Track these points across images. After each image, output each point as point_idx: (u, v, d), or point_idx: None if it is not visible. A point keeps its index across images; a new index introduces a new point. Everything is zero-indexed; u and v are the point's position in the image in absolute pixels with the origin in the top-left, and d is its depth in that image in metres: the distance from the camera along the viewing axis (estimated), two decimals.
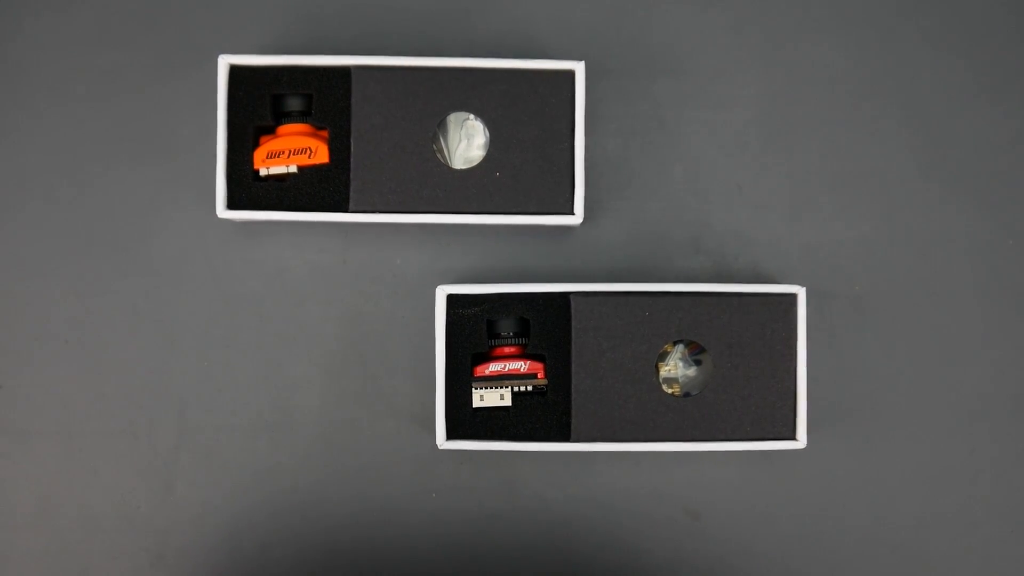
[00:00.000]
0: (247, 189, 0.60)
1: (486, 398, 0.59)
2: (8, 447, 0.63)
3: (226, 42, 0.63)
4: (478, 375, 0.59)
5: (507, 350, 0.60)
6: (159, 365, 0.63)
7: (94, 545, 0.62)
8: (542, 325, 0.60)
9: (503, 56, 0.63)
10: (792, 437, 0.60)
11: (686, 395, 0.60)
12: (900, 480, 0.63)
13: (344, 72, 0.60)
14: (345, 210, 0.59)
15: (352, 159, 0.59)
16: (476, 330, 0.60)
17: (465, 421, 0.60)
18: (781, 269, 0.64)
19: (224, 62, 0.59)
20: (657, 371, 0.60)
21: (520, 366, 0.59)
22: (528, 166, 0.60)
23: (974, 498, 0.64)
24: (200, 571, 0.62)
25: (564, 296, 0.60)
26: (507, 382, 0.59)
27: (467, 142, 0.61)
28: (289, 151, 0.60)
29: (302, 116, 0.60)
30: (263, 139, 0.61)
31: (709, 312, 0.59)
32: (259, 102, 0.60)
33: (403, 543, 0.63)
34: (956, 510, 0.64)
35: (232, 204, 0.60)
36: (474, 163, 0.60)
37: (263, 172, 0.60)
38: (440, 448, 0.59)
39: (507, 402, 0.59)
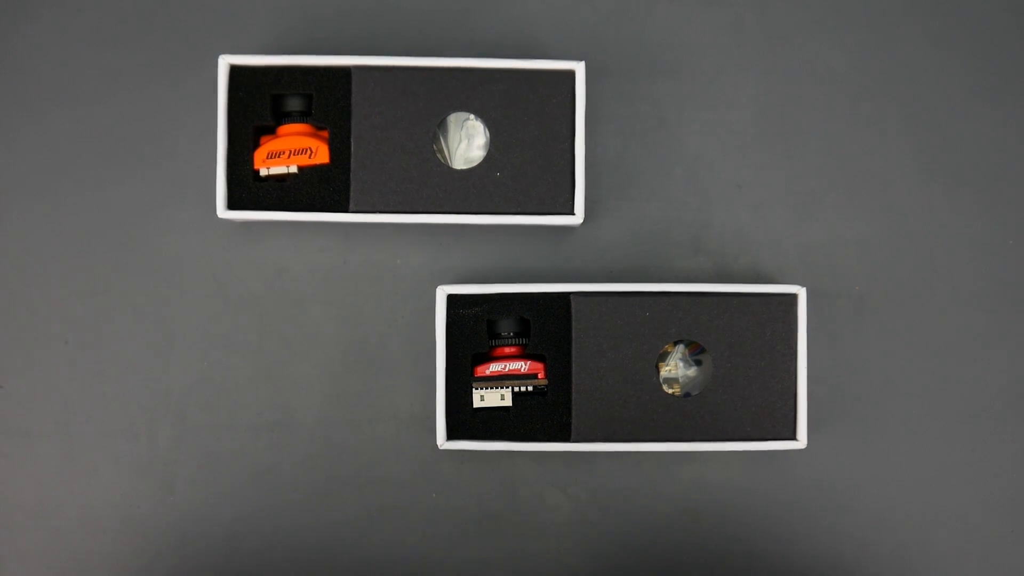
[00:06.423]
0: (247, 189, 0.60)
1: (486, 398, 0.59)
2: (8, 447, 0.63)
3: (226, 42, 0.63)
4: (478, 375, 0.59)
5: (507, 350, 0.60)
6: (159, 365, 0.63)
7: (94, 545, 0.62)
8: (542, 325, 0.60)
9: (503, 56, 0.63)
10: (792, 437, 0.60)
11: (686, 395, 0.60)
12: (900, 480, 0.63)
13: (344, 72, 0.60)
14: (345, 210, 0.59)
15: (352, 159, 0.59)
16: (476, 330, 0.60)
17: (465, 421, 0.60)
18: (781, 269, 0.64)
19: (224, 62, 0.59)
20: (657, 371, 0.60)
21: (520, 366, 0.59)
22: (528, 166, 0.60)
23: (974, 498, 0.64)
24: (200, 571, 0.62)
25: (564, 296, 0.60)
26: (507, 382, 0.59)
27: (467, 142, 0.61)
28: (289, 151, 0.60)
29: (302, 116, 0.60)
30: (263, 139, 0.61)
31: (709, 312, 0.60)
32: (259, 102, 0.60)
33: (403, 543, 0.63)
34: (956, 510, 0.64)
35: (232, 204, 0.60)
36: (474, 163, 0.60)
37: (263, 172, 0.60)
38: (440, 448, 0.59)
39: (507, 402, 0.59)
